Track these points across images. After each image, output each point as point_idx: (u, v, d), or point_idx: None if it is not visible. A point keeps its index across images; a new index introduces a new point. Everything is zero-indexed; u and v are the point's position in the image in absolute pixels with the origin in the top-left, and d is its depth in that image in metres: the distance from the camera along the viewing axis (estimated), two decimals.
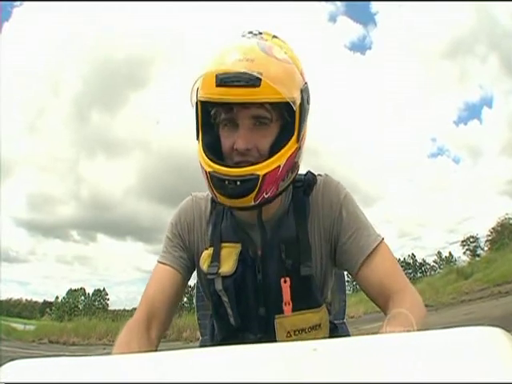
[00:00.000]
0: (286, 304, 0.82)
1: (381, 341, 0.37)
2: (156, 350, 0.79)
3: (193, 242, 0.90)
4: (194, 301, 1.37)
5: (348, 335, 1.18)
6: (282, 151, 0.75)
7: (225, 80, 0.70)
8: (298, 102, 0.75)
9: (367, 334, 0.38)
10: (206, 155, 0.77)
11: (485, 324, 0.35)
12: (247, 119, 0.76)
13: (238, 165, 0.75)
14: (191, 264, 0.91)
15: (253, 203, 0.75)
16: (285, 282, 0.81)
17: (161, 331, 0.84)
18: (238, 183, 0.73)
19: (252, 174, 0.73)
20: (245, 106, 0.74)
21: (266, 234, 0.84)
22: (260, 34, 0.80)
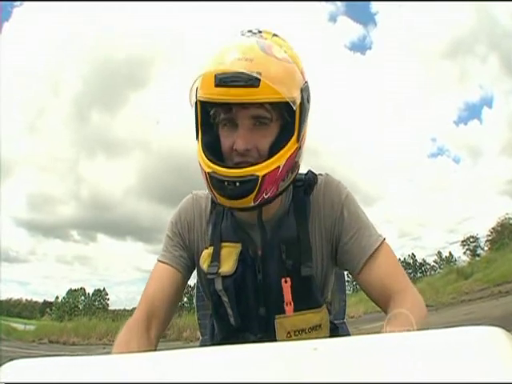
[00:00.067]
0: (287, 304, 0.81)
1: (381, 340, 0.37)
2: (155, 350, 0.79)
3: (193, 241, 0.90)
4: (194, 301, 1.37)
5: (348, 335, 1.18)
6: (282, 151, 0.75)
7: (224, 80, 0.70)
8: (298, 101, 0.74)
9: (367, 333, 0.38)
10: (206, 155, 0.76)
11: (485, 324, 0.35)
12: (247, 119, 0.75)
13: (237, 165, 0.75)
14: (191, 263, 0.91)
15: (252, 204, 0.75)
16: (285, 282, 0.81)
17: (160, 331, 0.84)
18: (238, 184, 0.72)
19: (251, 175, 0.72)
20: (244, 106, 0.73)
21: (266, 234, 0.84)
22: (260, 32, 0.79)
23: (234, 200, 0.74)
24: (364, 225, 0.85)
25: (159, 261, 0.89)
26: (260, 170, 0.73)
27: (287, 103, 0.72)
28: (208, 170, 0.75)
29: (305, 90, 0.77)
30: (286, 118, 0.77)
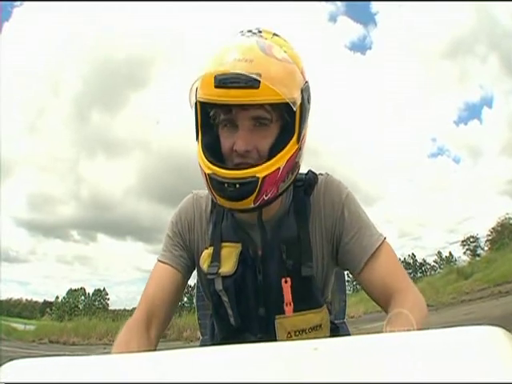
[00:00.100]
0: (287, 305, 0.81)
1: (381, 340, 0.37)
2: (155, 350, 0.79)
3: (193, 240, 0.90)
4: (194, 300, 1.37)
5: (348, 335, 1.18)
6: (282, 153, 0.74)
7: (223, 81, 0.70)
8: (299, 102, 0.74)
9: (367, 333, 0.38)
10: (206, 157, 0.76)
11: (485, 324, 0.35)
12: (247, 120, 0.75)
13: (237, 167, 0.75)
14: (191, 263, 0.90)
15: (252, 205, 0.74)
16: (285, 282, 0.81)
17: (160, 330, 0.84)
18: (238, 186, 0.72)
19: (252, 177, 0.72)
20: (244, 107, 0.73)
21: (267, 234, 0.84)
22: (260, 32, 0.79)
23: (234, 202, 0.74)
24: (365, 224, 0.85)
25: (159, 261, 0.89)
26: (260, 171, 0.72)
27: (287, 104, 0.72)
28: (208, 172, 0.75)
29: (305, 91, 0.77)
30: (286, 119, 0.76)
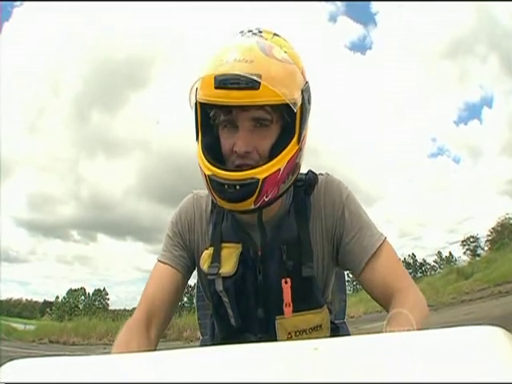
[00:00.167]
0: (286, 305, 0.81)
1: (381, 340, 0.37)
2: (155, 350, 0.79)
3: (193, 241, 0.90)
4: (194, 301, 1.37)
5: (349, 335, 1.18)
6: (283, 154, 0.74)
7: (223, 82, 0.69)
8: (299, 102, 0.74)
9: (367, 333, 0.38)
10: (206, 158, 0.76)
11: (485, 324, 0.35)
12: (247, 121, 0.75)
13: (237, 168, 0.74)
14: (191, 263, 0.90)
15: (253, 207, 0.74)
16: (286, 282, 0.81)
17: (160, 330, 0.84)
18: (238, 187, 0.72)
19: (252, 178, 0.72)
20: (244, 108, 0.73)
21: (267, 235, 0.84)
22: (260, 32, 0.78)
23: (234, 203, 0.74)
24: (365, 224, 0.85)
25: (159, 261, 0.89)
26: (260, 172, 0.72)
27: (288, 105, 0.72)
28: (208, 173, 0.74)
29: (305, 91, 0.76)
30: (287, 120, 0.76)
